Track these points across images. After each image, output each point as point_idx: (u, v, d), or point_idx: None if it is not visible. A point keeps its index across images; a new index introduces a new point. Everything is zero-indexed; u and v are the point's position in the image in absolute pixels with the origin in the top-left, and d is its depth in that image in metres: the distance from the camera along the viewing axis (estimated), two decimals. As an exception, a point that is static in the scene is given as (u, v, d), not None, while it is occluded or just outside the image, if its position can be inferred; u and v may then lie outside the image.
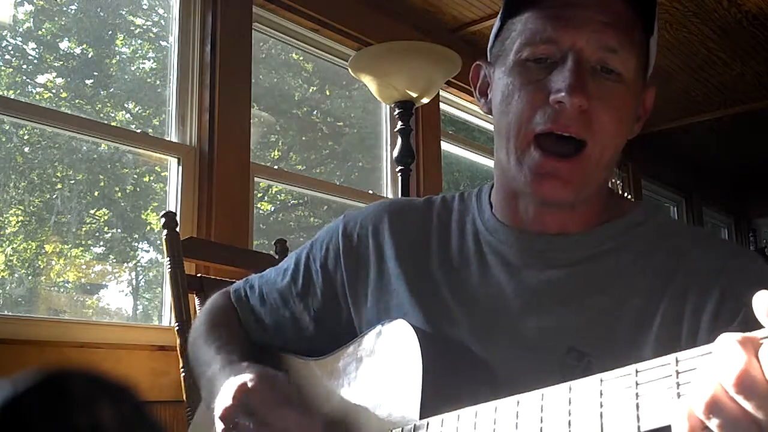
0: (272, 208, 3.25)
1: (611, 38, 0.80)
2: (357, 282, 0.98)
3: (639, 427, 0.51)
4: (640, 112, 0.89)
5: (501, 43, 0.88)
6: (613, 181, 4.86)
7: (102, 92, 2.54)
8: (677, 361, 0.50)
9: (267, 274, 1.09)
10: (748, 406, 0.45)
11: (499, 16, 0.89)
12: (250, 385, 0.82)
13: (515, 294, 0.86)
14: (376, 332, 0.86)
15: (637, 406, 0.51)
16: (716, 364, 0.47)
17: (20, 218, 2.24)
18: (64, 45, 2.46)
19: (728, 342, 0.46)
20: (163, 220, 1.81)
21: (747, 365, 0.45)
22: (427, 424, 0.72)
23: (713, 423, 0.47)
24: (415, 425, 0.74)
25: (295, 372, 0.99)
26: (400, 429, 0.76)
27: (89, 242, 2.45)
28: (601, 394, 0.54)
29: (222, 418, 0.83)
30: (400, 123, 2.58)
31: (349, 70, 2.59)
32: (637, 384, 0.52)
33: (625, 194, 4.44)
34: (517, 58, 0.83)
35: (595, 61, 0.80)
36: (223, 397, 0.84)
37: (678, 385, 0.50)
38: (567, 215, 0.87)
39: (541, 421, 0.58)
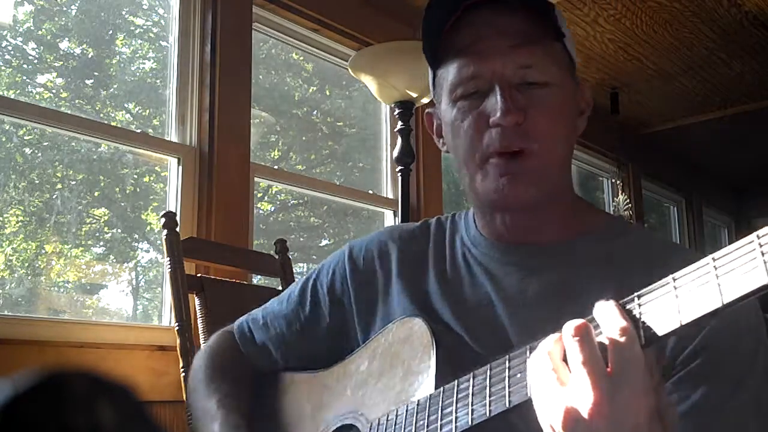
0: (272, 208, 3.25)
1: (522, 56, 0.90)
2: (365, 300, 1.07)
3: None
4: (582, 107, 0.99)
5: (439, 88, 0.99)
6: (613, 181, 4.86)
7: (102, 92, 2.54)
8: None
9: (269, 305, 1.19)
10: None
11: (429, 68, 1.01)
12: None
13: (498, 300, 0.95)
14: (387, 329, 0.96)
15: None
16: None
17: (20, 218, 2.24)
18: (64, 45, 2.46)
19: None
20: (163, 220, 1.81)
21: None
22: (443, 390, 0.81)
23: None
24: (430, 395, 0.82)
25: (302, 386, 1.09)
26: (416, 401, 0.84)
27: (89, 242, 2.45)
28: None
29: None
30: (400, 123, 2.58)
31: (349, 70, 2.59)
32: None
33: (625, 195, 4.44)
34: (454, 97, 0.95)
35: (517, 79, 0.91)
36: None
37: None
38: (540, 221, 0.96)
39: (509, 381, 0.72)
